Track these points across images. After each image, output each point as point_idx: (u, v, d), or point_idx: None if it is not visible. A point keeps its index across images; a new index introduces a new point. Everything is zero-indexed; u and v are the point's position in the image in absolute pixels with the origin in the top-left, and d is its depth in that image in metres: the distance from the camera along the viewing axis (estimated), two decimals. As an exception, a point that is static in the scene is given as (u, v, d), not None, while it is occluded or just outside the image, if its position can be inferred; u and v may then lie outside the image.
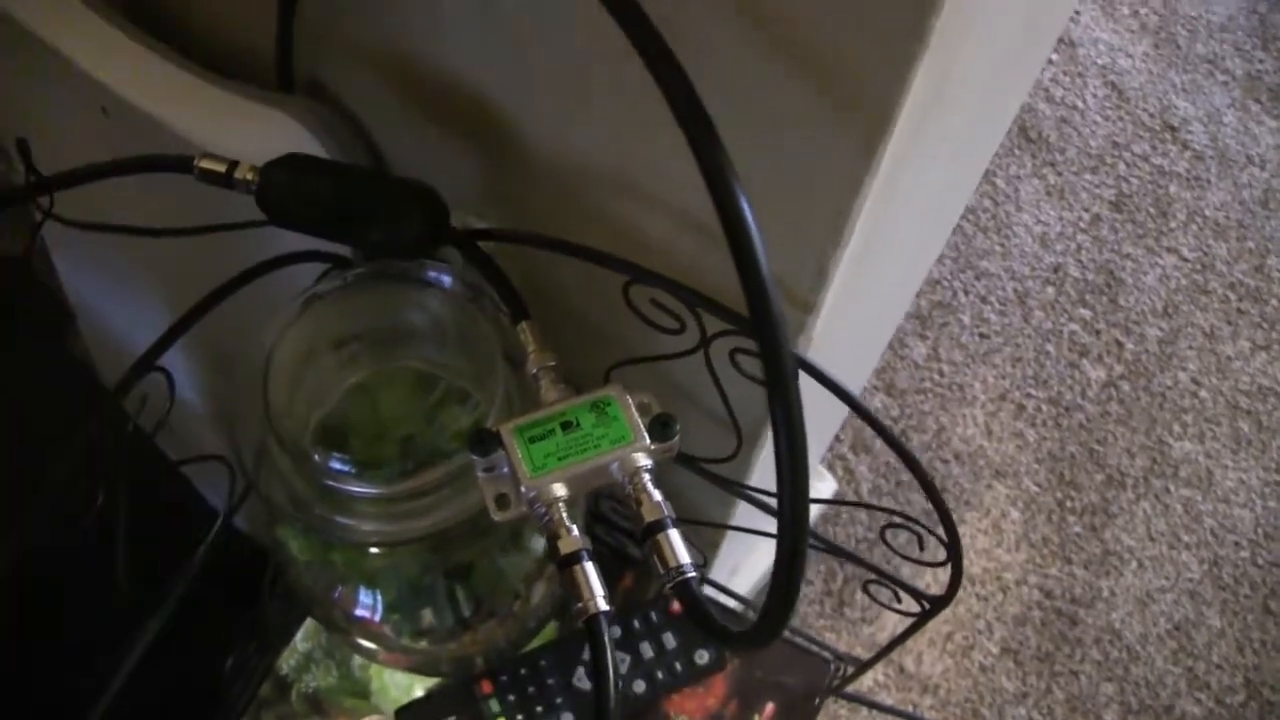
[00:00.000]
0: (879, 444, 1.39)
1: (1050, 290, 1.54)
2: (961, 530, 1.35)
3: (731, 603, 0.80)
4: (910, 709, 1.24)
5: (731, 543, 0.81)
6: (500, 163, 0.58)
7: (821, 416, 0.84)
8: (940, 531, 0.53)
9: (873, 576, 0.60)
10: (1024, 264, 1.56)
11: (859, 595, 1.29)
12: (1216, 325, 1.54)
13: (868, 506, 0.59)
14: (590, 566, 0.43)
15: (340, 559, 0.57)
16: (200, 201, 0.52)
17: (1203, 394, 1.48)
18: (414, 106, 0.61)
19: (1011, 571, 1.33)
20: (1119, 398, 1.47)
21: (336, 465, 0.48)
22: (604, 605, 0.43)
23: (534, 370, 0.47)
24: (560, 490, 0.44)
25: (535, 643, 0.70)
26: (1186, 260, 1.59)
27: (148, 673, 0.64)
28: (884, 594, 0.63)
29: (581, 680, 0.70)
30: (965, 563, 1.32)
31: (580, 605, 0.43)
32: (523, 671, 0.69)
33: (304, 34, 0.62)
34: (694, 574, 0.43)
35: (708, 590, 0.79)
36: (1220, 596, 1.34)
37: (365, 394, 0.52)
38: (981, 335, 1.49)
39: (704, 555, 0.73)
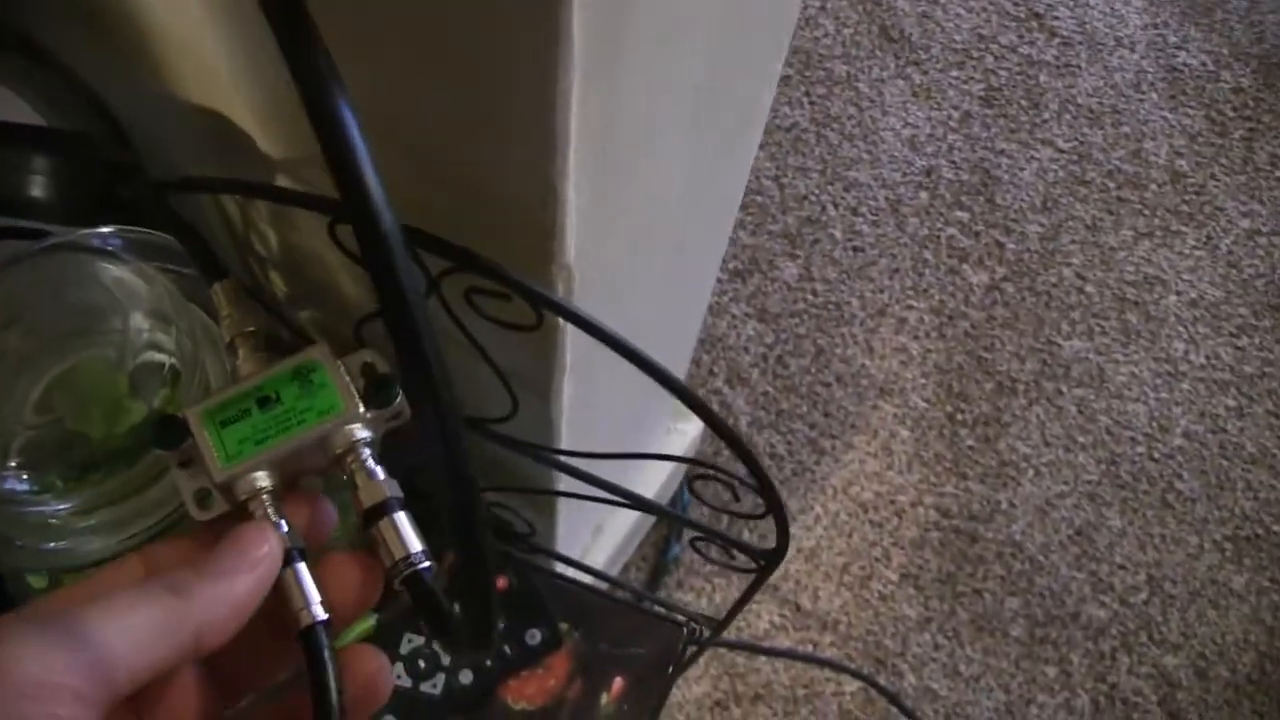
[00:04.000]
0: (756, 373, 1.33)
1: (924, 195, 1.49)
2: (849, 455, 1.31)
3: (586, 578, 0.74)
4: (810, 648, 1.20)
5: (572, 507, 0.75)
6: (220, 111, 0.50)
7: (660, 353, 0.77)
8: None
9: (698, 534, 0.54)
10: (894, 170, 1.51)
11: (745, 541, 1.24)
12: (1098, 216, 1.50)
13: (669, 459, 0.51)
14: (302, 568, 0.36)
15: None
16: None
17: (1088, 289, 1.44)
18: (129, 57, 0.53)
19: (905, 494, 1.29)
20: (1003, 300, 1.42)
21: (13, 486, 0.40)
22: (320, 614, 0.36)
23: (229, 338, 0.40)
24: (263, 480, 0.37)
25: (348, 635, 0.63)
26: (1063, 151, 1.55)
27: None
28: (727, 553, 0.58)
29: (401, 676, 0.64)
30: (856, 489, 1.28)
31: (292, 615, 0.36)
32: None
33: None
34: (426, 564, 0.36)
35: (559, 567, 0.73)
36: (1120, 495, 1.31)
37: (61, 394, 0.44)
38: (855, 249, 1.44)
39: (532, 525, 0.66)
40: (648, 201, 0.48)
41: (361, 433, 0.38)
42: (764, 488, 0.45)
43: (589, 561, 0.86)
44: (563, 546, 0.80)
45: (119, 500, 0.42)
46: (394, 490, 0.37)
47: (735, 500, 0.49)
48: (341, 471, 0.38)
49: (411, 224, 0.39)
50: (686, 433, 1.03)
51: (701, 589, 1.20)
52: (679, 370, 0.94)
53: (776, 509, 0.47)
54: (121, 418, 0.44)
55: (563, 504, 0.72)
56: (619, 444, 0.53)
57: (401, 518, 0.36)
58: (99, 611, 0.30)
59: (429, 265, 0.39)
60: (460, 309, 0.41)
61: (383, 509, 0.36)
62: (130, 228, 0.44)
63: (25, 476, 0.41)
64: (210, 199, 0.57)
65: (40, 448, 0.43)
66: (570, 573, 0.70)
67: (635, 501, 0.51)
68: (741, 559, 0.56)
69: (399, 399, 0.38)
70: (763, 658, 1.18)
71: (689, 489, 0.52)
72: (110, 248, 0.43)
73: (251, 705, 0.38)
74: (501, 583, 0.66)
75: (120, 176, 0.43)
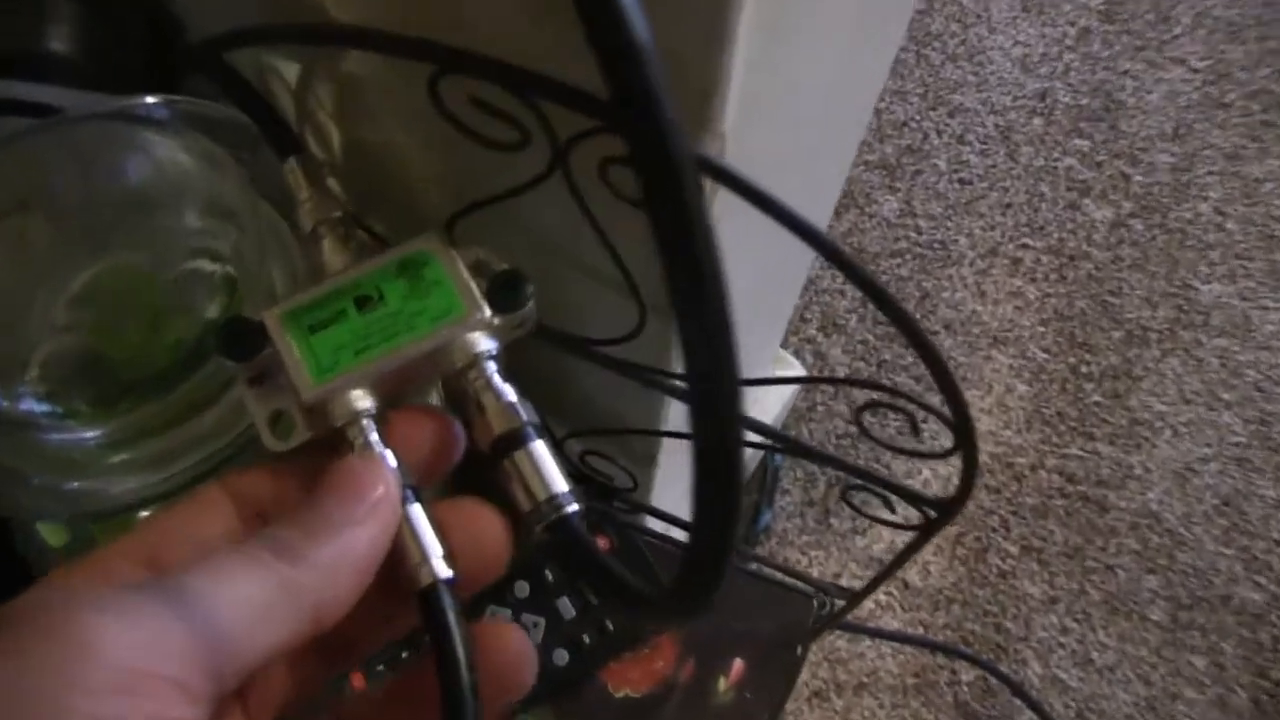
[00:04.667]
0: (853, 320, 1.27)
1: (1038, 121, 1.42)
2: (961, 414, 1.25)
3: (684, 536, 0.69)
4: (921, 632, 1.14)
5: (677, 455, 0.69)
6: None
7: (774, 283, 0.72)
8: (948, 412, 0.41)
9: (858, 482, 0.49)
10: (1004, 94, 1.44)
11: (847, 504, 1.18)
12: (1239, 144, 1.42)
13: (842, 382, 0.48)
14: (417, 511, 0.31)
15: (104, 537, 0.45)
16: None
17: (1229, 225, 1.37)
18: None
19: (1024, 455, 1.23)
20: (1131, 239, 1.36)
21: (30, 406, 0.35)
22: (443, 570, 0.30)
23: (310, 226, 0.35)
24: (362, 400, 0.32)
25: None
26: (1196, 71, 1.47)
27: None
28: (876, 503, 0.52)
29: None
30: (969, 452, 1.22)
31: (408, 572, 0.31)
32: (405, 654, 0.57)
33: None
34: (575, 506, 0.31)
35: (651, 523, 0.68)
36: (1273, 461, 1.24)
37: (91, 301, 0.39)
38: (962, 181, 1.37)
39: (634, 477, 0.61)
40: (803, 80, 0.43)
41: (486, 343, 0.32)
42: (958, 416, 0.40)
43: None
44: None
45: (159, 431, 0.37)
46: (529, 414, 0.32)
47: (914, 433, 0.44)
48: (462, 391, 0.32)
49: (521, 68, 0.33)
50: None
51: (797, 561, 1.15)
52: (785, 307, 0.88)
53: (967, 443, 0.42)
54: (160, 334, 0.39)
55: (664, 454, 0.66)
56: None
57: (540, 448, 0.31)
58: (204, 578, 0.24)
59: (555, 127, 0.34)
60: (589, 187, 0.35)
61: (517, 438, 0.31)
62: (179, 97, 0.38)
63: (46, 393, 0.36)
64: (263, 91, 0.52)
65: (65, 362, 0.38)
66: (670, 534, 0.65)
67: (791, 446, 0.46)
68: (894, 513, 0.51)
69: (530, 302, 0.33)
70: (867, 641, 1.13)
71: (857, 421, 0.47)
72: (157, 118, 0.38)
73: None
74: (602, 543, 0.60)
75: (162, 32, 0.37)
